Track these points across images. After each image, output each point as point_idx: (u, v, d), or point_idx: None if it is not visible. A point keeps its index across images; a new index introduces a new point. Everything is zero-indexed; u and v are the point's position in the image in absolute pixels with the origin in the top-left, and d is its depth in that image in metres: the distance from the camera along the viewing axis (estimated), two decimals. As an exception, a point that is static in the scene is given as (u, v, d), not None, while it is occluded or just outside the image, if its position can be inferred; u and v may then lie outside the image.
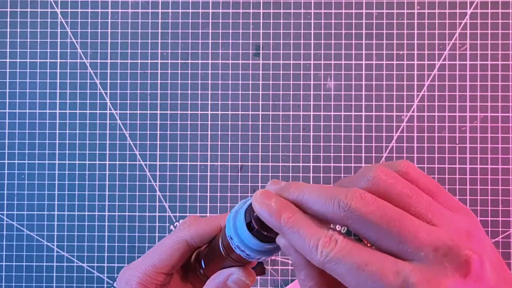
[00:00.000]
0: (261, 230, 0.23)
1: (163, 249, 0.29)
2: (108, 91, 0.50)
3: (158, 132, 0.50)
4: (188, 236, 0.29)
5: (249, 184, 0.49)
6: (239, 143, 0.50)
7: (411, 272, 0.18)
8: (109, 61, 0.50)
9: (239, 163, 0.49)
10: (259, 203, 0.22)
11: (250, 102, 0.50)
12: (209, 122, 0.50)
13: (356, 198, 0.19)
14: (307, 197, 0.21)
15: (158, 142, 0.50)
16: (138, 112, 0.50)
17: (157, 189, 0.50)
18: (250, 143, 0.49)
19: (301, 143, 0.49)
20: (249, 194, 0.49)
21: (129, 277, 0.29)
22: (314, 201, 0.21)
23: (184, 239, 0.29)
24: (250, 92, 0.50)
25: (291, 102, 0.50)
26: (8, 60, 0.50)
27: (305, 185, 0.22)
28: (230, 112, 0.50)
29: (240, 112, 0.50)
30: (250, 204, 0.23)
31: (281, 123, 0.49)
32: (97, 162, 0.50)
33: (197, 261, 0.30)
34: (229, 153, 0.50)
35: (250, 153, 0.49)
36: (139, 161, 0.50)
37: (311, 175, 0.49)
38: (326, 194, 0.20)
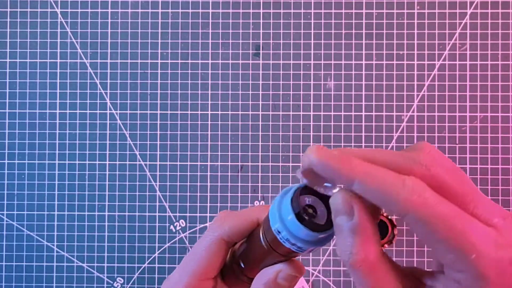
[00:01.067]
0: (313, 219, 0.21)
1: (200, 252, 0.26)
2: (108, 91, 0.50)
3: (158, 132, 0.50)
4: (224, 233, 0.26)
5: (249, 184, 0.49)
6: (239, 143, 0.50)
7: (497, 233, 0.19)
8: (109, 61, 0.50)
9: (239, 163, 0.49)
10: (320, 155, 0.20)
11: (250, 102, 0.50)
12: (209, 122, 0.50)
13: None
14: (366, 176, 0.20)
15: (158, 142, 0.50)
16: (138, 112, 0.50)
17: (157, 189, 0.50)
18: (250, 143, 0.49)
19: (301, 143, 0.49)
20: (249, 194, 0.49)
21: None
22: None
23: (220, 237, 0.26)
24: (250, 92, 0.50)
25: (291, 102, 0.50)
26: (8, 60, 0.50)
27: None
28: (230, 112, 0.50)
29: (240, 112, 0.50)
30: (296, 192, 0.21)
31: (281, 123, 0.49)
32: (97, 162, 0.50)
33: (234, 261, 0.28)
34: (229, 153, 0.50)
35: (250, 153, 0.49)
36: (139, 161, 0.50)
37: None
38: (385, 181, 0.19)
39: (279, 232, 0.22)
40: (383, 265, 0.22)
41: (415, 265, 0.48)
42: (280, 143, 0.49)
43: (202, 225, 0.49)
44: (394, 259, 0.48)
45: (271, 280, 0.25)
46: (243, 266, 0.27)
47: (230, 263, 0.28)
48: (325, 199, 0.21)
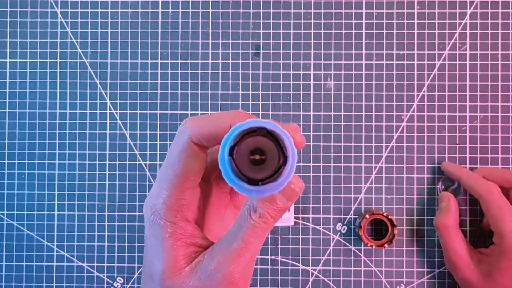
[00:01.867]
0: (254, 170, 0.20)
1: (173, 161, 0.24)
2: (108, 91, 0.50)
3: (158, 132, 0.50)
4: (193, 135, 0.24)
5: (249, 184, 0.49)
6: (239, 143, 0.49)
7: None
8: (109, 61, 0.50)
9: (239, 163, 0.49)
10: (448, 165, 0.48)
11: (250, 102, 0.50)
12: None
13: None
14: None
15: (158, 142, 0.50)
16: (138, 112, 0.50)
17: (157, 189, 0.49)
18: (250, 143, 0.49)
19: (301, 143, 0.49)
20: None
21: (154, 207, 0.25)
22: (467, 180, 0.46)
23: (190, 140, 0.24)
24: (250, 92, 0.50)
25: (291, 102, 0.50)
26: (8, 60, 0.50)
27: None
28: (230, 112, 0.50)
29: (240, 112, 0.50)
30: (234, 145, 0.20)
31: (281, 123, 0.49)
32: (97, 162, 0.50)
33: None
34: (229, 153, 0.49)
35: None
36: (139, 161, 0.50)
37: (311, 174, 0.49)
38: (475, 181, 0.45)
39: (231, 185, 0.21)
40: (455, 231, 0.45)
41: (414, 265, 0.48)
42: (280, 143, 0.49)
43: (202, 225, 0.49)
44: (394, 259, 0.48)
45: (266, 198, 0.23)
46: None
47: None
48: (273, 138, 0.20)
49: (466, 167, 0.49)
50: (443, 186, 0.48)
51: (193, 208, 0.26)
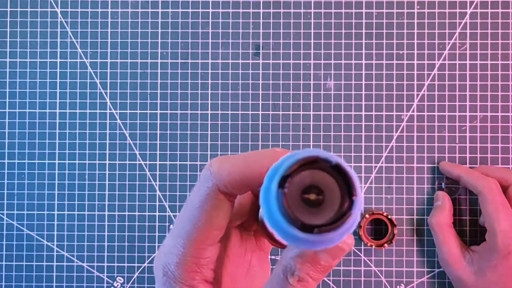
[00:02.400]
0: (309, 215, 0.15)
1: (193, 213, 0.20)
2: (108, 91, 0.50)
3: (158, 131, 0.50)
4: (220, 182, 0.20)
5: (249, 184, 0.49)
6: (239, 143, 0.50)
7: None
8: (109, 60, 0.50)
9: (239, 163, 0.49)
10: (446, 164, 0.48)
11: (250, 102, 0.50)
12: (209, 122, 0.50)
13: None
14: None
15: (158, 142, 0.50)
16: (138, 111, 0.50)
17: (157, 188, 0.50)
18: (250, 143, 0.49)
19: (301, 143, 0.49)
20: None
21: (166, 266, 0.21)
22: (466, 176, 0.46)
23: (216, 188, 0.20)
24: (250, 92, 0.50)
25: (291, 102, 0.50)
26: (8, 59, 0.50)
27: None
28: (230, 112, 0.50)
29: (240, 112, 0.50)
30: (285, 176, 0.15)
31: (281, 122, 0.49)
32: (97, 162, 0.50)
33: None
34: (229, 153, 0.49)
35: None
36: (139, 160, 0.50)
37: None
38: (474, 176, 0.45)
39: (275, 231, 0.16)
40: (449, 229, 0.46)
41: (414, 265, 0.48)
42: (280, 143, 0.49)
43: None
44: (394, 258, 0.48)
45: (310, 255, 0.19)
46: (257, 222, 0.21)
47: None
48: (335, 173, 0.15)
49: (466, 166, 0.49)
50: (443, 185, 0.48)
51: (213, 266, 0.21)
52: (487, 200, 0.43)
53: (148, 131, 0.50)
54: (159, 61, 0.50)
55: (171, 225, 0.49)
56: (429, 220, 0.47)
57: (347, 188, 0.15)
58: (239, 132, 0.50)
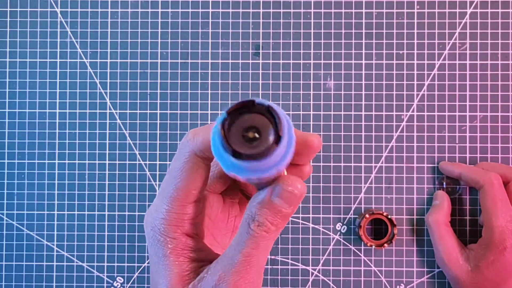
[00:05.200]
0: (250, 146, 0.18)
1: (174, 175, 0.23)
2: (108, 91, 0.50)
3: (158, 131, 0.50)
4: (196, 148, 0.23)
5: (249, 184, 0.49)
6: (239, 143, 0.49)
7: None
8: (108, 60, 0.50)
9: (239, 163, 0.49)
10: (445, 164, 0.48)
11: (250, 102, 0.50)
12: (209, 122, 0.50)
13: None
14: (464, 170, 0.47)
15: (158, 142, 0.50)
16: (138, 111, 0.50)
17: (157, 188, 0.50)
18: (250, 143, 0.49)
19: (301, 143, 0.49)
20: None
21: (153, 222, 0.24)
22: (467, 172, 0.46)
23: (194, 153, 0.23)
24: (250, 92, 0.50)
25: (291, 102, 0.50)
26: (8, 59, 0.50)
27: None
28: (230, 112, 0.50)
29: (240, 112, 0.50)
30: (226, 114, 0.19)
31: (281, 122, 0.49)
32: (97, 162, 0.50)
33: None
34: (229, 153, 0.49)
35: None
36: (139, 160, 0.50)
37: (311, 174, 0.49)
38: (476, 171, 0.46)
39: (220, 163, 0.19)
40: (445, 227, 0.45)
41: (414, 265, 0.48)
42: (280, 143, 0.49)
43: (202, 225, 0.49)
44: (394, 258, 0.48)
45: (266, 201, 0.22)
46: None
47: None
48: (269, 115, 0.19)
49: (466, 164, 0.49)
50: (444, 185, 0.48)
51: (196, 222, 0.24)
52: (487, 194, 0.43)
53: (148, 131, 0.50)
54: (159, 61, 0.50)
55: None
56: (426, 218, 0.47)
57: (276, 126, 0.18)
58: (239, 132, 0.49)
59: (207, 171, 0.24)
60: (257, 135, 0.18)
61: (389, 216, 0.47)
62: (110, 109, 0.50)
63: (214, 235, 0.27)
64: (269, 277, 0.49)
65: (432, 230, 0.46)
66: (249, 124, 0.19)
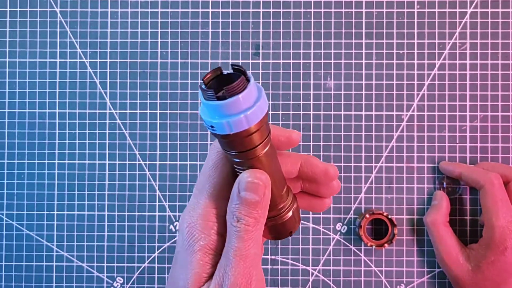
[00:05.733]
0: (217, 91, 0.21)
1: (210, 173, 0.25)
2: (108, 91, 0.50)
3: (158, 131, 0.50)
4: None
5: (249, 184, 0.49)
6: (239, 143, 0.49)
7: None
8: (108, 60, 0.50)
9: (239, 163, 0.49)
10: (446, 164, 0.48)
11: (250, 102, 0.49)
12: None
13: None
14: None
15: (157, 142, 0.50)
16: (138, 111, 0.50)
17: (157, 188, 0.49)
18: (250, 143, 0.49)
19: (301, 143, 0.49)
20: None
21: (191, 218, 0.25)
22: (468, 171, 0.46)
23: (222, 151, 0.25)
24: (250, 92, 0.50)
25: (291, 102, 0.50)
26: (7, 59, 0.50)
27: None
28: (230, 112, 0.50)
29: (240, 112, 0.50)
30: (204, 77, 0.22)
31: (281, 122, 0.49)
32: (97, 162, 0.50)
33: None
34: (229, 153, 0.49)
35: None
36: (138, 160, 0.50)
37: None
38: (476, 171, 0.45)
39: (202, 115, 0.22)
40: (444, 227, 0.45)
41: (414, 265, 0.48)
42: (280, 143, 0.49)
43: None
44: (394, 258, 0.48)
45: (236, 197, 0.24)
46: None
47: None
48: (231, 77, 0.22)
49: (466, 164, 0.49)
50: (444, 185, 0.48)
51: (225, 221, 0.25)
52: (487, 194, 0.43)
53: (148, 131, 0.50)
54: (159, 61, 0.50)
55: (171, 226, 0.49)
56: (424, 219, 0.47)
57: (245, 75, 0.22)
58: (239, 132, 0.49)
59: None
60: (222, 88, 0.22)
61: (389, 216, 0.47)
62: (110, 109, 0.50)
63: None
64: (269, 277, 0.49)
65: (431, 230, 0.46)
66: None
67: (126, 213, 0.49)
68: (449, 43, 0.49)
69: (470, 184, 0.46)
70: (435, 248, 0.46)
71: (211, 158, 0.26)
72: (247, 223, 0.23)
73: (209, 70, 0.50)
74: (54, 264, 0.50)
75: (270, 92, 0.50)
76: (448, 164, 0.48)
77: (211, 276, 0.24)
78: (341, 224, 0.49)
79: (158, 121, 0.50)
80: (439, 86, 0.49)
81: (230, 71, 0.22)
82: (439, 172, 0.49)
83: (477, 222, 0.48)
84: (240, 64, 0.23)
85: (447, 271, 0.46)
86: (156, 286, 0.49)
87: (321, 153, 0.49)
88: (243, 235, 0.23)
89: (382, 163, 0.49)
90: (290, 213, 0.26)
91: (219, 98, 0.21)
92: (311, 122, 0.49)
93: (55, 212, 0.50)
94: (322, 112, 0.49)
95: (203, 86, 0.22)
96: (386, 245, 0.46)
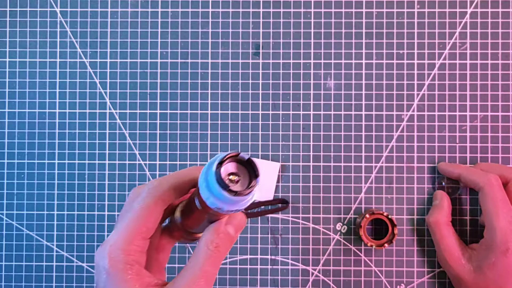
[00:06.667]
0: (234, 185, 0.25)
1: (138, 213, 0.28)
2: (108, 91, 0.50)
3: (158, 131, 0.50)
4: (163, 193, 0.28)
5: (249, 184, 0.49)
6: (239, 143, 0.49)
7: None
8: (108, 60, 0.50)
9: (239, 163, 0.49)
10: (445, 164, 0.48)
11: (250, 102, 0.50)
12: (209, 122, 0.50)
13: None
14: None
15: (157, 142, 0.50)
16: (138, 111, 0.50)
17: (157, 188, 0.49)
18: (250, 143, 0.49)
19: (301, 143, 0.49)
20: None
21: (115, 251, 0.27)
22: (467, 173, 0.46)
23: (159, 198, 0.28)
24: (250, 92, 0.50)
25: (291, 102, 0.50)
26: (7, 59, 0.50)
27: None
28: (229, 112, 0.50)
29: (240, 112, 0.50)
30: (219, 161, 0.24)
31: (281, 122, 0.49)
32: (97, 162, 0.50)
33: (173, 217, 0.30)
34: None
35: (250, 153, 0.49)
36: (138, 160, 0.50)
37: (311, 174, 0.49)
38: (475, 172, 0.45)
39: (207, 198, 0.25)
40: (446, 227, 0.45)
41: (415, 265, 0.48)
42: (280, 143, 0.49)
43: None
44: (394, 258, 0.48)
45: (222, 229, 0.28)
46: (181, 220, 0.30)
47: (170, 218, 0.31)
48: (248, 165, 0.25)
49: (465, 165, 0.49)
50: (443, 184, 0.48)
51: (146, 253, 0.29)
52: (487, 195, 0.43)
53: (148, 131, 0.50)
54: (159, 61, 0.50)
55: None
56: (426, 219, 0.47)
57: (254, 173, 0.25)
58: (239, 132, 0.49)
59: (162, 213, 0.29)
60: (237, 178, 0.25)
61: (390, 216, 0.47)
62: (110, 109, 0.50)
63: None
64: (269, 277, 0.49)
65: (433, 230, 0.46)
66: (232, 170, 0.25)
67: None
68: (449, 43, 0.49)
69: (469, 185, 0.46)
70: (437, 248, 0.46)
71: (145, 199, 0.28)
72: (221, 250, 0.28)
73: (209, 69, 0.50)
74: (54, 264, 0.50)
75: (270, 92, 0.50)
76: (447, 165, 0.48)
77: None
78: (341, 224, 0.49)
79: (158, 121, 0.50)
80: (439, 86, 0.49)
81: (246, 154, 0.25)
82: (439, 172, 0.49)
83: (477, 222, 0.48)
84: (251, 157, 0.25)
85: (448, 271, 0.45)
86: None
87: (321, 153, 0.49)
88: (216, 258, 0.27)
89: (382, 163, 0.49)
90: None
91: (230, 191, 0.24)
92: (311, 122, 0.49)
93: (55, 212, 0.50)
94: (322, 112, 0.49)
95: (217, 172, 0.24)
96: (386, 245, 0.46)
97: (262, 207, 0.48)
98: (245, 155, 0.25)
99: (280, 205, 0.49)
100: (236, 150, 0.25)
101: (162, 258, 0.32)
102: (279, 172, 0.49)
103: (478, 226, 0.48)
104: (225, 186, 0.24)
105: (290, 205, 0.49)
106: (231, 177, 0.25)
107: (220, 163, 0.24)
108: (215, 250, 0.27)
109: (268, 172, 0.49)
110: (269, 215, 0.49)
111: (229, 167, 0.25)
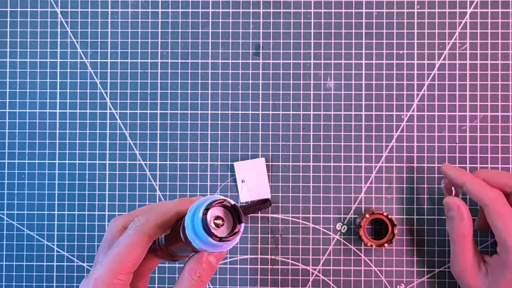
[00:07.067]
0: (219, 230, 0.26)
1: (125, 249, 0.29)
2: (108, 91, 0.50)
3: (158, 131, 0.50)
4: (150, 229, 0.29)
5: (249, 184, 0.49)
6: (239, 143, 0.50)
7: None
8: (109, 60, 0.50)
9: (239, 163, 0.49)
10: (449, 168, 0.45)
11: (250, 102, 0.50)
12: (209, 122, 0.50)
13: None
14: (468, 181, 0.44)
15: (158, 142, 0.50)
16: (138, 111, 0.50)
17: (157, 188, 0.50)
18: (250, 143, 0.49)
19: (301, 143, 0.49)
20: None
21: (99, 284, 0.29)
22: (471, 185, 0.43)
23: (147, 234, 0.29)
24: (250, 92, 0.50)
25: (291, 102, 0.50)
26: (8, 59, 0.50)
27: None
28: (230, 112, 0.50)
29: (240, 112, 0.50)
30: (206, 206, 0.25)
31: (281, 122, 0.49)
32: (97, 162, 0.50)
33: (159, 244, 0.32)
34: (229, 153, 0.50)
35: (250, 153, 0.49)
36: (139, 160, 0.50)
37: (311, 174, 0.49)
38: (479, 188, 0.43)
39: (193, 240, 0.26)
40: (471, 239, 0.44)
41: (414, 265, 0.48)
42: (280, 143, 0.49)
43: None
44: (394, 258, 0.48)
45: (204, 260, 0.29)
46: (165, 244, 0.31)
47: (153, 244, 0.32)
48: (233, 211, 0.27)
49: (467, 167, 0.49)
50: (443, 183, 0.47)
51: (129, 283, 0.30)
52: (495, 213, 0.42)
53: (148, 131, 0.50)
54: (159, 61, 0.50)
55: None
56: (451, 233, 0.44)
57: (238, 219, 0.27)
58: (239, 132, 0.50)
59: (147, 248, 0.30)
60: (222, 222, 0.26)
61: (389, 216, 0.47)
62: (110, 109, 0.50)
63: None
64: (269, 277, 0.49)
65: (456, 242, 0.44)
66: (217, 214, 0.26)
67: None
68: (449, 43, 0.49)
69: (473, 199, 0.44)
70: (454, 258, 0.45)
71: (132, 236, 0.29)
72: (203, 279, 0.29)
73: (209, 69, 0.50)
74: (55, 264, 0.50)
75: (270, 92, 0.50)
76: (451, 169, 0.45)
77: None
78: (341, 224, 0.49)
79: (159, 121, 0.50)
80: (439, 86, 0.49)
81: (231, 200, 0.27)
82: (439, 172, 0.49)
83: (478, 222, 0.48)
84: (234, 204, 0.27)
85: (461, 283, 0.45)
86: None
87: (321, 153, 0.49)
88: (199, 286, 0.29)
89: (382, 163, 0.49)
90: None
91: (215, 237, 0.26)
92: (311, 122, 0.49)
93: (56, 212, 0.50)
94: (322, 112, 0.49)
95: (203, 219, 0.25)
96: (386, 245, 0.46)
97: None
98: (230, 201, 0.27)
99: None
100: (223, 196, 0.27)
101: (141, 285, 0.33)
102: (267, 169, 0.49)
103: (478, 226, 0.48)
104: (210, 234, 0.25)
105: (290, 205, 0.49)
106: (216, 221, 0.26)
107: (207, 209, 0.25)
108: (198, 280, 0.29)
109: (256, 170, 0.49)
110: (269, 215, 0.49)
111: (215, 211, 0.26)
